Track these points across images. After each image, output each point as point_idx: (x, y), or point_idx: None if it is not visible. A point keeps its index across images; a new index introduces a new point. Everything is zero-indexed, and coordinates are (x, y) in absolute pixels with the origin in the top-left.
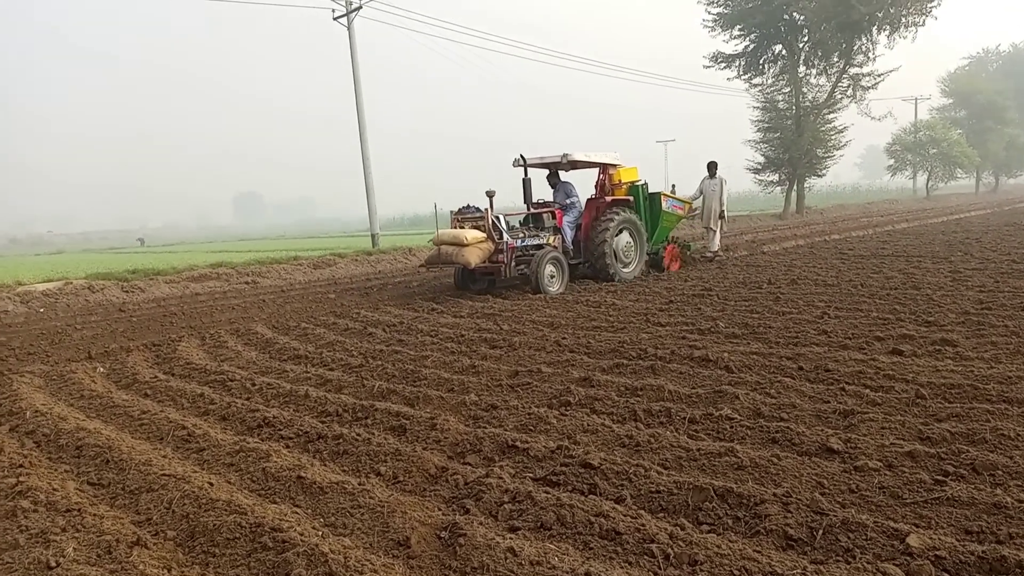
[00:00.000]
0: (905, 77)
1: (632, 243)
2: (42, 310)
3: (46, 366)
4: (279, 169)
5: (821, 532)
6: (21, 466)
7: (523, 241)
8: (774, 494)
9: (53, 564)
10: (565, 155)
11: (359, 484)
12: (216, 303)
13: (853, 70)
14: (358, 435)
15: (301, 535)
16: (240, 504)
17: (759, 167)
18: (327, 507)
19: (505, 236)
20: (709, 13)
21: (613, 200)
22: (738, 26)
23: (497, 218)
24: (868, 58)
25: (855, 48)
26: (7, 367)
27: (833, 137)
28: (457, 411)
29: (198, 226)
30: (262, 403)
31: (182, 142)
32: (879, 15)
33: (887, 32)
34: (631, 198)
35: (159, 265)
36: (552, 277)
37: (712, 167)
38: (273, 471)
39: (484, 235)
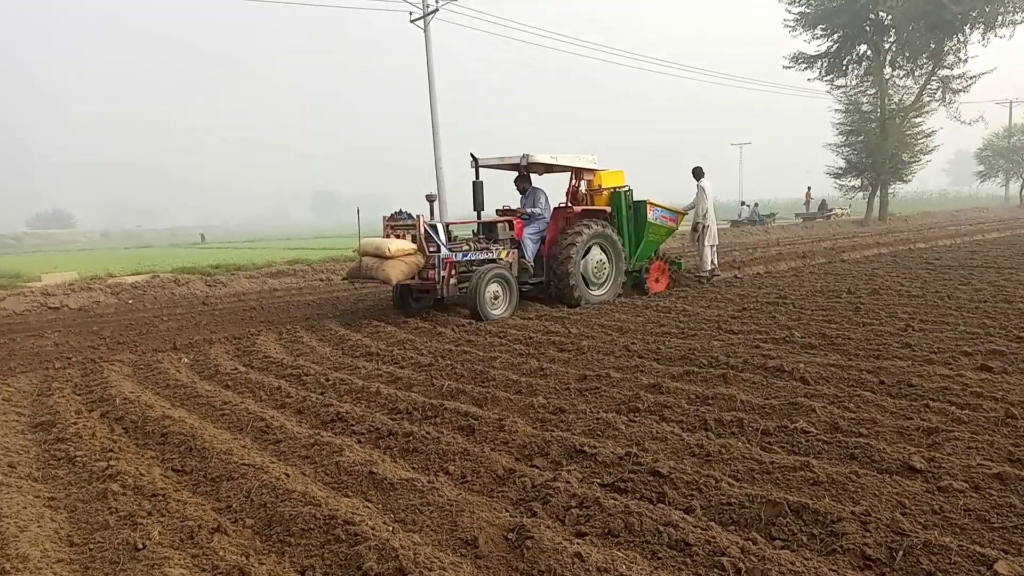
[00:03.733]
0: (1000, 78)
1: (605, 261)
2: (131, 301)
3: (134, 355)
4: (355, 168)
5: (901, 554)
6: (111, 451)
7: (466, 255)
8: (852, 512)
9: (140, 546)
10: (525, 156)
11: (428, 482)
12: (292, 299)
13: (943, 72)
14: (427, 433)
15: (372, 529)
16: (315, 496)
17: (840, 171)
18: (397, 503)
19: (442, 249)
20: (790, 13)
21: (585, 211)
22: (821, 26)
23: (433, 227)
24: (959, 59)
25: (945, 49)
26: (99, 355)
27: (920, 141)
28: (525, 413)
29: (275, 224)
30: (335, 398)
31: (262, 139)
32: (973, 14)
33: (981, 31)
34: (607, 208)
35: (240, 261)
36: (496, 298)
37: (696, 173)
38: (346, 465)
39: (414, 246)
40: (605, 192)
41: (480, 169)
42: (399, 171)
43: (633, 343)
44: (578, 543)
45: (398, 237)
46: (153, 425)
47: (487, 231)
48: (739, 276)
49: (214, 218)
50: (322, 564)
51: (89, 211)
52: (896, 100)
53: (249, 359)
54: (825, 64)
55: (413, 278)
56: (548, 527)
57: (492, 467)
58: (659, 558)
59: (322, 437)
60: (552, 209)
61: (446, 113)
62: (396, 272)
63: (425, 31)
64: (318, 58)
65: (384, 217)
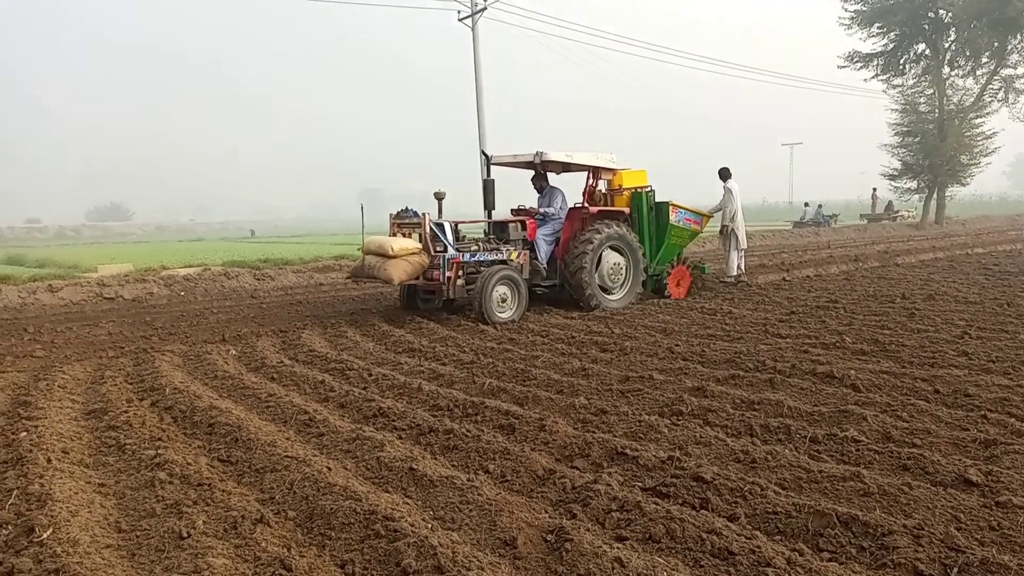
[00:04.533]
0: None
1: (622, 264)
2: (182, 293)
3: (184, 346)
4: (400, 167)
5: (956, 571)
6: (159, 439)
7: (475, 255)
8: (904, 525)
9: (185, 535)
10: (539, 153)
11: (468, 480)
12: (337, 294)
13: (1005, 71)
14: (468, 431)
15: (412, 526)
16: (355, 491)
17: (895, 173)
18: (437, 500)
19: (449, 248)
20: (846, 10)
21: (601, 211)
22: (877, 24)
23: (439, 226)
24: None
25: (1009, 47)
26: (151, 345)
27: (980, 143)
28: (566, 413)
29: (322, 219)
30: (377, 393)
31: (313, 138)
32: None
33: None
34: (625, 209)
35: (288, 255)
36: (504, 301)
37: (723, 173)
38: (387, 461)
39: (418, 246)
40: (626, 192)
41: (493, 167)
42: (445, 168)
43: (677, 345)
44: (618, 547)
45: (405, 236)
46: (201, 415)
47: (499, 231)
48: (787, 279)
49: (264, 214)
50: (362, 559)
51: (145, 205)
52: (955, 100)
53: (294, 352)
54: (881, 63)
55: (418, 278)
56: (588, 530)
57: (532, 467)
58: (701, 566)
59: (364, 432)
60: (568, 209)
61: (493, 111)
62: (399, 272)
63: (473, 30)
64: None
65: (391, 215)
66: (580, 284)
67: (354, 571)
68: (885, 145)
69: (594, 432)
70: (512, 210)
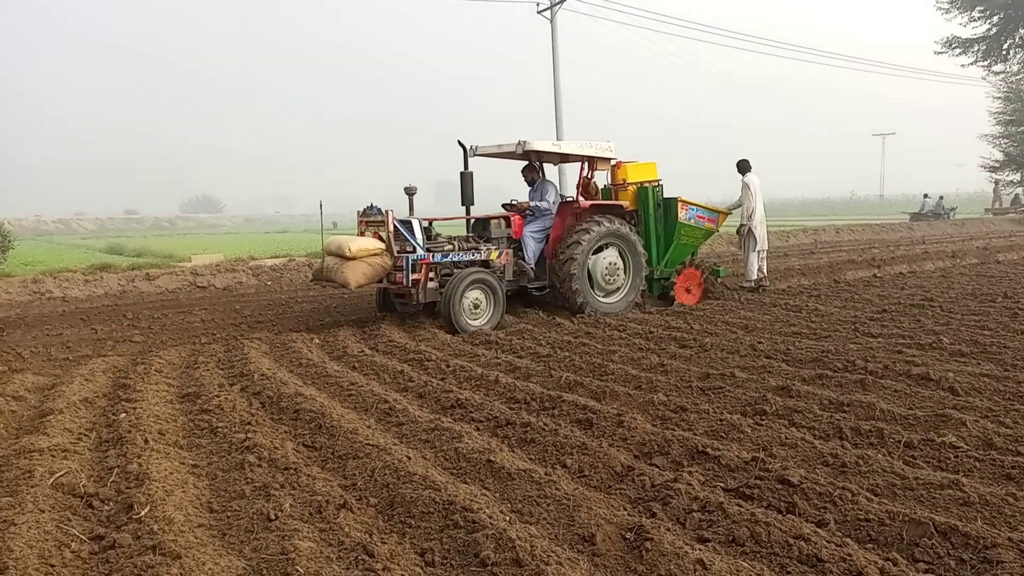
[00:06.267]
0: None
1: (620, 264)
2: (269, 283)
3: (271, 334)
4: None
5: None
6: (249, 424)
7: (449, 256)
8: (1009, 538)
9: (272, 517)
10: (521, 143)
11: (545, 474)
12: None
13: None
14: (545, 425)
15: (490, 518)
16: (435, 480)
17: (996, 165)
18: (515, 493)
19: (418, 249)
20: None
21: (595, 206)
22: (978, 7)
23: (406, 224)
24: None
25: None
26: (240, 333)
27: None
28: (644, 410)
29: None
30: (455, 385)
31: (394, 129)
32: None
33: None
34: (623, 204)
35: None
36: (476, 307)
37: (742, 166)
38: (465, 452)
39: (381, 246)
40: (631, 187)
41: (472, 159)
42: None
43: (760, 342)
44: (700, 549)
45: (374, 235)
46: (287, 401)
47: (481, 229)
48: (878, 275)
49: (344, 206)
50: (441, 548)
51: (235, 197)
52: None
53: (374, 342)
54: (982, 49)
55: (381, 281)
56: (668, 529)
57: (610, 463)
58: (788, 572)
59: (442, 422)
60: (559, 204)
61: (571, 104)
62: (356, 275)
63: (551, 22)
64: (444, 48)
65: (358, 212)
66: (569, 285)
67: (434, 560)
68: (985, 135)
69: (673, 429)
70: (503, 205)
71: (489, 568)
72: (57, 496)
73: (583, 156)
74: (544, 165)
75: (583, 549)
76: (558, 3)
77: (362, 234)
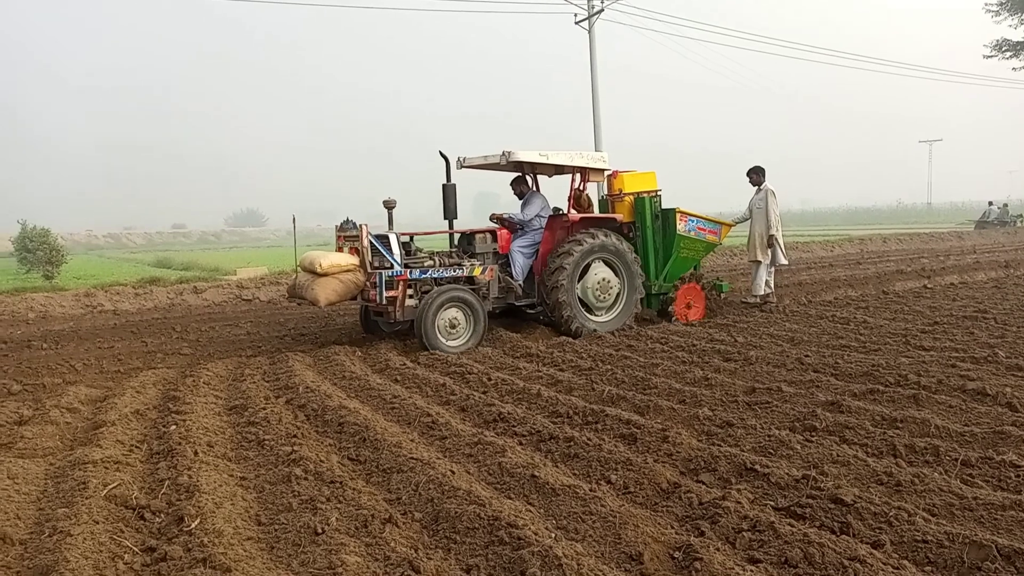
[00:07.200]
0: None
1: (612, 280)
2: None
3: (314, 346)
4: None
5: None
6: (295, 436)
7: (428, 272)
8: None
9: (319, 531)
10: (506, 153)
11: (590, 490)
12: None
13: None
14: (588, 439)
15: (535, 534)
16: (479, 495)
17: None
18: (559, 509)
19: (395, 265)
20: None
21: (585, 218)
22: None
23: (382, 238)
24: None
25: None
26: (284, 345)
27: None
28: (689, 425)
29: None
30: (497, 398)
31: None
32: None
33: None
34: (616, 216)
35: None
36: (454, 327)
37: (754, 174)
38: (508, 467)
39: (353, 262)
40: (628, 198)
41: (455, 171)
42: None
43: (807, 355)
44: (752, 570)
45: (351, 250)
46: (331, 414)
47: (466, 243)
48: (928, 286)
49: (380, 218)
50: (487, 564)
51: (276, 209)
52: None
53: (416, 355)
54: None
55: (354, 298)
56: (717, 549)
57: (656, 479)
58: None
59: (485, 436)
60: (548, 217)
61: (608, 115)
62: (326, 292)
63: (590, 32)
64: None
65: (336, 227)
66: (557, 303)
67: None
68: None
69: (720, 445)
70: (491, 217)
71: None
72: (110, 508)
73: (574, 167)
74: (539, 177)
75: (630, 568)
76: (596, 13)
77: (340, 249)
